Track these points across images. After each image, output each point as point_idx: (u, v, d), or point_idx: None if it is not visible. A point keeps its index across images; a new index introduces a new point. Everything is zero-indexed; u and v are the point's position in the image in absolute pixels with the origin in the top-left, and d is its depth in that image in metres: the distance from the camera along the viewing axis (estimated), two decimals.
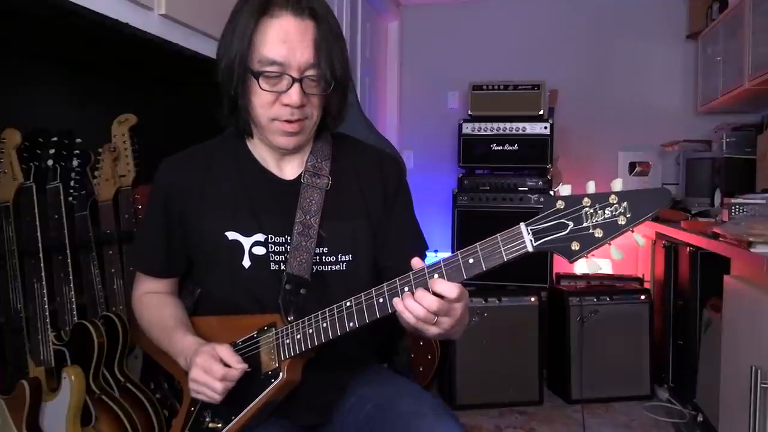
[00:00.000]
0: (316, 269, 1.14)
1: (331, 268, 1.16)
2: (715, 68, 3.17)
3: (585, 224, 0.83)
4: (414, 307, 0.92)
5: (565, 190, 0.87)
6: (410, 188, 1.29)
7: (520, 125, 3.14)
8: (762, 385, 1.67)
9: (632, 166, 3.52)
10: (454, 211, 3.13)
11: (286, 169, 1.20)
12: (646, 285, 3.24)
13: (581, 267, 3.49)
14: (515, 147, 3.14)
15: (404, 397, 1.11)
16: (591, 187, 0.85)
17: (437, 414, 1.04)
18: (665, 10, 3.63)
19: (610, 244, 0.82)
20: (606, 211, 0.81)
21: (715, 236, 2.11)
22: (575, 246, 0.83)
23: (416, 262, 0.96)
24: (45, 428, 1.52)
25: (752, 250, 1.77)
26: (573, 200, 0.84)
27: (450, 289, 0.92)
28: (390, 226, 1.21)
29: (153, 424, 1.65)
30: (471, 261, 0.90)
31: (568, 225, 0.83)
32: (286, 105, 1.07)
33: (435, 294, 0.92)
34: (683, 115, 3.63)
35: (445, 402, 2.97)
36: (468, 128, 3.20)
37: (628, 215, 0.80)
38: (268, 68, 1.05)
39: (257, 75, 1.06)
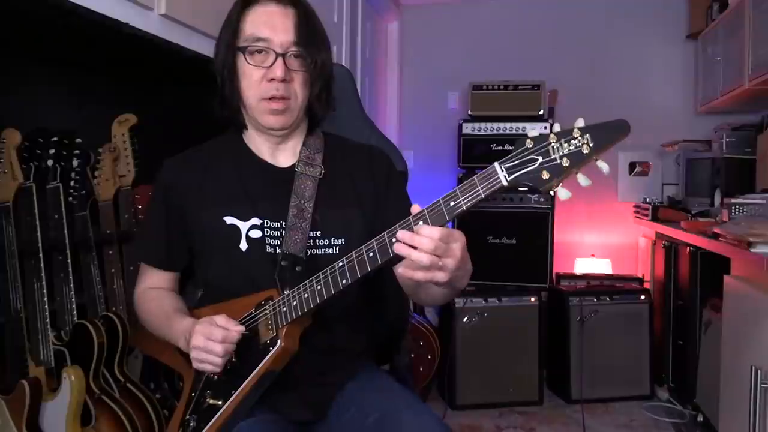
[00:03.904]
0: (310, 252, 1.18)
1: (324, 251, 1.20)
2: (715, 68, 3.16)
3: (552, 156, 0.89)
4: (419, 241, 0.92)
5: (533, 132, 0.94)
6: (410, 188, 1.31)
7: (520, 125, 3.14)
8: (762, 385, 1.67)
9: (632, 166, 3.51)
10: None
11: (280, 159, 1.26)
12: (646, 285, 3.25)
13: (581, 266, 3.49)
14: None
15: (406, 411, 1.11)
16: (557, 128, 0.92)
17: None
18: (665, 10, 3.63)
19: (577, 172, 0.89)
20: (571, 144, 0.89)
21: (715, 236, 2.11)
22: (545, 175, 0.89)
23: (415, 208, 0.97)
24: (45, 428, 1.52)
25: (752, 250, 1.77)
26: (540, 138, 0.92)
27: (431, 231, 0.92)
28: (388, 207, 1.24)
29: (153, 424, 1.65)
30: (452, 203, 0.93)
31: (537, 159, 0.90)
32: (272, 80, 1.15)
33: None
34: (683, 115, 3.62)
35: (445, 402, 2.97)
36: (468, 128, 3.20)
37: (591, 144, 0.88)
38: (253, 43, 1.16)
39: (243, 50, 1.16)
